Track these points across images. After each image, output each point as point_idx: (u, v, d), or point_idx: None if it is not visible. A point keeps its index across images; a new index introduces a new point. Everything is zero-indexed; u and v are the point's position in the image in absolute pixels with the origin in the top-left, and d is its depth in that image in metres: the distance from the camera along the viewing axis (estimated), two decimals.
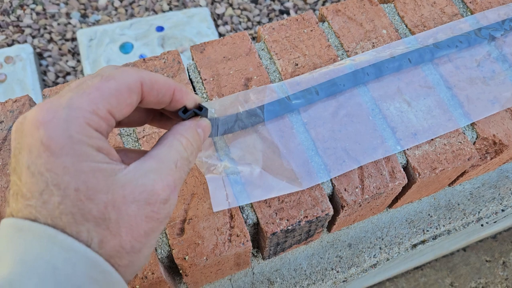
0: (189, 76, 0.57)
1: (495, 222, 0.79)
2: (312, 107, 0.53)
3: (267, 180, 0.47)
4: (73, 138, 0.26)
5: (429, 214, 0.63)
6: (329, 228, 0.58)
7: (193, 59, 0.57)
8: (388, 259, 0.63)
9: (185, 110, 0.35)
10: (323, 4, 2.03)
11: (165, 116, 0.38)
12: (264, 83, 0.55)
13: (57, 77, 1.79)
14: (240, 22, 1.94)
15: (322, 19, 0.62)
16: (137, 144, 0.52)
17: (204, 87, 0.54)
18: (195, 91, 0.55)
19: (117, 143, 0.51)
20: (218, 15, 1.96)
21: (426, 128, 0.52)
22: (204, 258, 0.45)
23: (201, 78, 0.55)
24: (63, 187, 0.26)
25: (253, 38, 1.90)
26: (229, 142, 0.49)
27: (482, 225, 0.71)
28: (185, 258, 0.44)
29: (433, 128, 0.52)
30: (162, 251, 0.46)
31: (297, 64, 0.56)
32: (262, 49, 0.58)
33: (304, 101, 0.52)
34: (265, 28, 0.59)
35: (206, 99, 0.54)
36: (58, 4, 1.95)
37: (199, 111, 0.36)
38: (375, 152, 0.50)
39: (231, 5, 1.99)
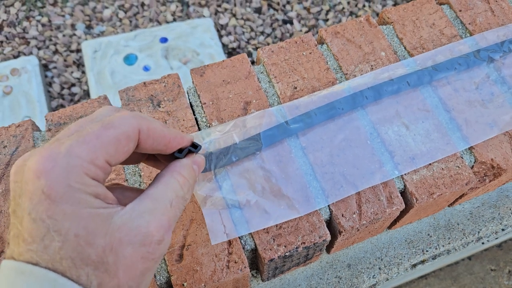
0: (189, 99, 0.57)
1: (496, 239, 0.79)
2: (310, 131, 0.53)
3: (265, 208, 0.47)
4: (72, 187, 0.28)
5: (428, 234, 0.64)
6: (328, 250, 0.59)
7: (193, 83, 0.58)
8: (387, 279, 0.63)
9: (180, 149, 0.36)
10: (326, 14, 2.04)
11: (160, 155, 0.39)
12: (263, 107, 0.55)
13: (62, 88, 1.80)
14: (243, 33, 1.95)
15: (321, 41, 0.62)
16: (137, 168, 0.52)
17: (204, 111, 0.55)
18: (194, 114, 0.56)
19: (117, 168, 0.52)
20: (222, 25, 1.97)
21: (425, 152, 0.52)
22: (203, 284, 0.45)
23: (200, 102, 0.56)
24: (63, 232, 0.27)
25: (256, 49, 1.91)
26: (225, 172, 0.49)
27: (482, 243, 0.71)
28: (183, 285, 0.45)
29: (431, 152, 0.52)
30: (161, 277, 0.46)
31: (295, 88, 0.57)
32: (261, 72, 0.59)
33: (302, 125, 0.52)
34: (264, 50, 0.60)
35: (205, 123, 0.55)
36: (63, 16, 1.97)
37: (194, 148, 0.37)
38: (373, 177, 0.50)
39: (234, 15, 2.00)
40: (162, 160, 0.39)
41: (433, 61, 0.58)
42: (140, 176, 0.52)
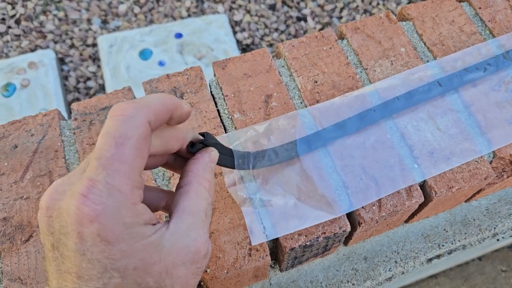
0: (211, 91, 0.58)
1: (511, 236, 0.79)
2: (343, 138, 0.53)
3: (302, 209, 0.48)
4: (126, 224, 0.28)
5: (445, 229, 0.64)
6: (345, 242, 0.60)
7: (215, 75, 0.59)
8: (403, 273, 0.64)
9: (192, 143, 0.36)
10: (340, 11, 2.04)
11: (177, 160, 0.39)
12: (284, 100, 0.56)
13: (78, 82, 1.83)
14: (257, 29, 1.96)
15: (341, 37, 0.63)
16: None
17: (226, 103, 0.56)
18: (216, 106, 0.57)
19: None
20: (236, 22, 1.98)
21: (457, 153, 0.52)
22: (225, 271, 0.46)
23: (222, 94, 0.57)
24: (122, 269, 0.28)
25: (270, 45, 1.92)
26: (263, 174, 0.50)
27: (498, 239, 0.71)
28: (206, 271, 0.46)
29: (463, 153, 0.52)
30: None
31: (316, 82, 0.58)
32: (282, 66, 0.60)
33: (339, 134, 0.53)
34: (285, 45, 0.61)
35: (227, 115, 0.56)
36: (79, 10, 1.99)
37: (204, 139, 0.37)
38: (397, 181, 0.50)
39: (248, 12, 2.01)
40: (178, 160, 0.39)
41: (463, 62, 0.58)
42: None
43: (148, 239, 0.29)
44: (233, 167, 0.44)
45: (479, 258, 1.46)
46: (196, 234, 0.32)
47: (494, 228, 0.64)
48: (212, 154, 0.37)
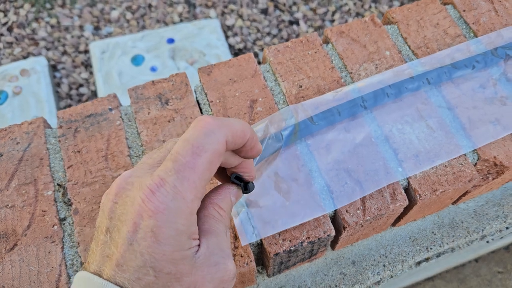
0: (196, 97, 0.58)
1: (501, 238, 0.79)
2: (328, 130, 0.54)
3: (291, 208, 0.48)
4: (178, 230, 0.30)
5: (432, 232, 0.64)
6: (332, 247, 0.60)
7: (200, 81, 0.59)
8: (391, 276, 0.64)
9: (237, 177, 0.38)
10: (332, 15, 2.05)
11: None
12: (269, 105, 0.56)
13: (70, 88, 1.83)
14: (249, 33, 1.97)
15: (326, 41, 0.63)
16: None
17: (211, 109, 0.56)
18: (201, 112, 0.57)
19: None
20: (228, 26, 1.98)
21: (437, 151, 0.52)
22: None
23: (207, 100, 0.57)
24: (158, 270, 0.29)
25: (262, 49, 1.92)
26: None
27: (487, 241, 0.72)
28: None
29: (447, 150, 0.52)
30: None
31: (301, 86, 0.58)
32: (267, 71, 0.60)
33: (325, 123, 0.53)
34: (270, 50, 0.61)
35: None
36: (71, 17, 1.99)
37: (245, 184, 0.38)
38: (379, 179, 0.51)
39: (240, 16, 2.01)
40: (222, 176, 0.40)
41: (451, 59, 0.58)
42: None
43: (185, 252, 0.31)
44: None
45: (475, 260, 1.46)
46: (224, 254, 0.33)
47: (482, 230, 0.64)
48: (238, 191, 0.39)
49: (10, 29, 1.96)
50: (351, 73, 0.59)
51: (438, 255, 0.65)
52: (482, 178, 0.56)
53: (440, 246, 0.63)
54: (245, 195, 0.49)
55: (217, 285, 0.32)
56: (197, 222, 0.34)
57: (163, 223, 0.29)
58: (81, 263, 0.48)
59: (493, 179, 0.56)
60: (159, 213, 0.29)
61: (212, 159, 0.30)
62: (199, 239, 0.33)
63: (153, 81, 0.58)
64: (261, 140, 0.51)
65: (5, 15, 1.99)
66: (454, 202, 0.64)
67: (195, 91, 0.59)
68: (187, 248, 0.31)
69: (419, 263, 0.65)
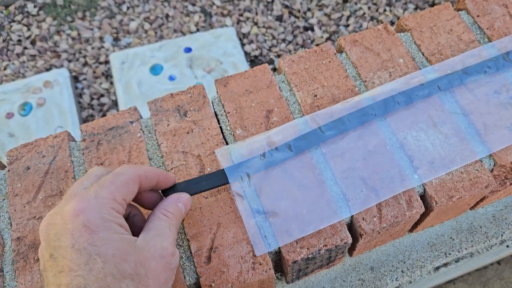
0: (213, 109, 0.60)
1: None
2: (342, 137, 0.55)
3: (304, 215, 0.49)
4: (104, 218, 0.36)
5: (451, 237, 0.64)
6: (350, 253, 0.60)
7: (217, 93, 0.60)
8: (410, 282, 0.64)
9: (167, 190, 0.48)
10: (347, 20, 2.05)
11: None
12: (285, 115, 0.57)
13: (92, 99, 1.87)
14: (265, 40, 1.98)
15: (340, 50, 0.64)
16: None
17: (228, 120, 0.58)
18: (219, 123, 0.58)
19: None
20: (244, 34, 2.01)
21: (451, 157, 0.53)
22: (229, 285, 0.47)
23: (224, 111, 0.58)
24: (103, 254, 0.34)
25: (278, 56, 1.94)
26: (263, 186, 0.52)
27: (507, 246, 0.71)
28: (211, 285, 0.47)
29: (462, 156, 0.53)
30: (190, 278, 0.49)
31: (316, 95, 0.59)
32: (283, 81, 0.61)
33: (336, 132, 0.54)
34: (285, 60, 0.62)
35: (230, 131, 0.57)
36: (91, 29, 2.04)
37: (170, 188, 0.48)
38: (395, 186, 0.51)
39: (256, 23, 2.03)
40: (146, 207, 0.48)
41: (462, 65, 0.58)
42: None
43: (123, 235, 0.37)
44: (227, 183, 0.51)
45: (498, 263, 1.44)
46: (162, 239, 0.40)
47: (502, 235, 0.64)
48: (182, 196, 0.46)
49: (33, 43, 2.02)
50: (365, 81, 0.60)
51: (457, 260, 0.65)
52: (500, 184, 0.56)
53: (459, 252, 0.63)
54: (263, 203, 0.50)
55: (159, 261, 0.38)
56: (146, 222, 0.42)
57: (89, 215, 0.35)
58: None
59: (511, 184, 0.56)
60: (84, 209, 0.35)
61: (128, 180, 0.40)
62: (141, 232, 0.40)
63: (171, 94, 0.60)
64: (264, 151, 0.53)
65: (28, 29, 2.05)
66: (472, 208, 0.64)
67: (212, 103, 0.60)
68: (123, 233, 0.37)
69: (437, 268, 0.65)
